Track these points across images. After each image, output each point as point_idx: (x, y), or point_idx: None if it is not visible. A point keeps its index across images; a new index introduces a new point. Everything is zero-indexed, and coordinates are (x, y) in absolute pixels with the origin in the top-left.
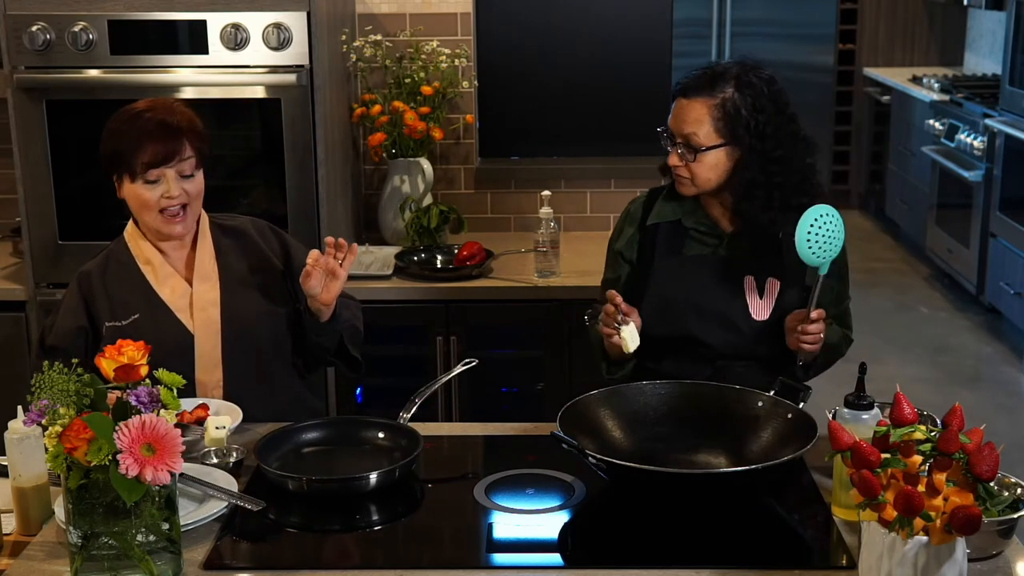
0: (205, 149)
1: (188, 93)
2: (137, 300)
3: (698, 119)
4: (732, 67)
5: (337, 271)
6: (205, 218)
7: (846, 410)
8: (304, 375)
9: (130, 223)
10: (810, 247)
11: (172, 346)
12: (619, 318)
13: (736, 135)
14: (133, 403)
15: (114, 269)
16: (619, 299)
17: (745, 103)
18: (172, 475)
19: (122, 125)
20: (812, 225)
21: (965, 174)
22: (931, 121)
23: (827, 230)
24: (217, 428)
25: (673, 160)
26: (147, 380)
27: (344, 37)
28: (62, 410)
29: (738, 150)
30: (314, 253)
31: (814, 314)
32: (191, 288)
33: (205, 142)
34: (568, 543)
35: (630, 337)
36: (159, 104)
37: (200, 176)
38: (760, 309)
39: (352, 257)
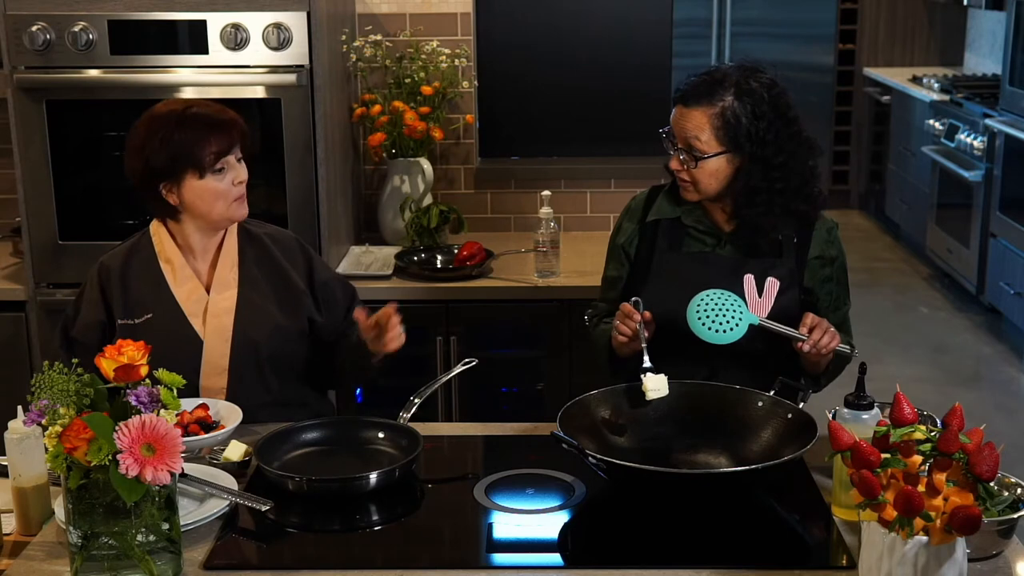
0: (247, 135)
1: (188, 93)
2: (152, 299)
3: (698, 127)
4: (731, 73)
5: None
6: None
7: (846, 410)
8: (316, 387)
9: (155, 221)
10: (706, 326)
11: (180, 349)
12: (643, 336)
13: (737, 143)
14: (133, 403)
15: (136, 263)
16: (637, 315)
17: (745, 111)
18: (172, 475)
19: (177, 128)
20: (698, 309)
21: (965, 174)
22: (931, 121)
23: (715, 305)
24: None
25: (675, 164)
26: (147, 380)
27: (344, 37)
28: (62, 410)
29: (739, 157)
30: (368, 321)
31: (803, 331)
32: (208, 295)
33: (246, 127)
34: (568, 543)
35: (653, 388)
36: (193, 101)
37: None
38: (758, 308)
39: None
